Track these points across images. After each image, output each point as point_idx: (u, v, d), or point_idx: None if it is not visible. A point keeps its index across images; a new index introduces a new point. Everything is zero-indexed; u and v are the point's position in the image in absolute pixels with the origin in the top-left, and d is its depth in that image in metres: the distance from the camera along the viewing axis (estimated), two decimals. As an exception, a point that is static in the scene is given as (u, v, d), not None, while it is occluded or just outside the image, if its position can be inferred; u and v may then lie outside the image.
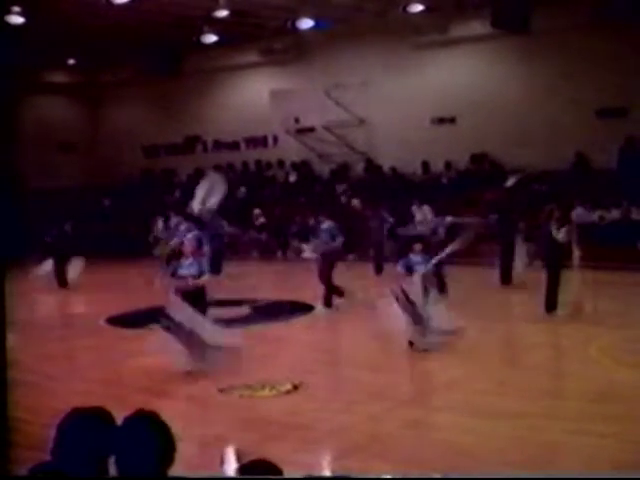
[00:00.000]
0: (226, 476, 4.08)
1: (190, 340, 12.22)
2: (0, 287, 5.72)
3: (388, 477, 8.05)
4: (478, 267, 22.38)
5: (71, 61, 35.21)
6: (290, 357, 14.45)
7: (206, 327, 12.49)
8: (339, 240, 18.14)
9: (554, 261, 16.11)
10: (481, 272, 21.53)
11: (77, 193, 34.40)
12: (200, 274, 12.96)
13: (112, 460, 4.16)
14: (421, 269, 13.83)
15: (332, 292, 17.92)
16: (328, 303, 17.82)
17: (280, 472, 4.04)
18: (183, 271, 12.96)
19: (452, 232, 18.85)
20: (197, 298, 12.79)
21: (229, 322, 16.45)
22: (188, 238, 18.02)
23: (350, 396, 11.10)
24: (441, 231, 19.87)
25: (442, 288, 18.10)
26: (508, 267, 20.30)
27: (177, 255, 13.83)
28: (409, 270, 13.86)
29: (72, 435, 4.15)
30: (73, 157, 36.17)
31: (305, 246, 18.06)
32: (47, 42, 28.57)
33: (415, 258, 13.97)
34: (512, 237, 20.63)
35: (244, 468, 4.03)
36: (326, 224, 18.24)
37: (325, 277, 17.91)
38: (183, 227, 18.83)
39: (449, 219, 20.61)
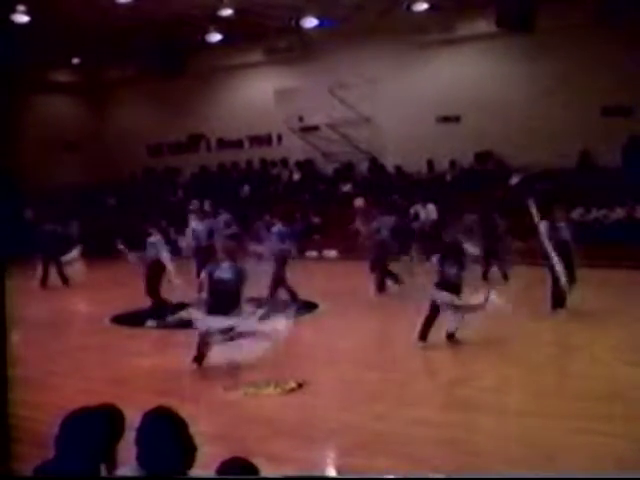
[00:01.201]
0: (224, 477, 4.08)
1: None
2: (0, 287, 5.71)
3: (389, 477, 8.04)
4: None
5: (75, 60, 35.23)
6: (294, 355, 14.45)
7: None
8: (289, 243, 18.37)
9: (559, 259, 16.07)
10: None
11: (81, 192, 34.42)
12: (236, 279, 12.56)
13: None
14: None
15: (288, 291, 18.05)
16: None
17: (256, 470, 4.07)
18: (220, 274, 12.70)
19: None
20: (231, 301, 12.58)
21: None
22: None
23: (354, 394, 11.10)
24: (384, 232, 19.88)
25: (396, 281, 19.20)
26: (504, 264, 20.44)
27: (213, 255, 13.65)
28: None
29: (79, 431, 4.15)
30: (77, 156, 36.19)
31: (257, 248, 18.03)
32: (52, 41, 28.58)
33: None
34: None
35: (222, 466, 4.05)
36: (277, 227, 18.41)
37: (276, 280, 18.02)
38: (222, 217, 18.86)
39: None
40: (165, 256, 16.53)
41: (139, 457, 4.15)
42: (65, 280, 22.96)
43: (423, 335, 13.59)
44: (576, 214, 23.83)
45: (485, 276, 20.22)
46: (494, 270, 20.44)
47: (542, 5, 26.30)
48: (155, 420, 4.24)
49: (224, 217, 19.03)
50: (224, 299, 12.25)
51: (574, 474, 7.62)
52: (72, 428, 4.19)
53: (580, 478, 7.21)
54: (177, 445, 4.14)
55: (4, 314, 5.66)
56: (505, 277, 20.38)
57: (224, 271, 12.44)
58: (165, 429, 4.18)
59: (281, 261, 18.11)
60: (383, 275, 19.46)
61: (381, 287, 19.42)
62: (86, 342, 15.35)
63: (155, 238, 16.43)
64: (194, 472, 4.40)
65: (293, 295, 17.90)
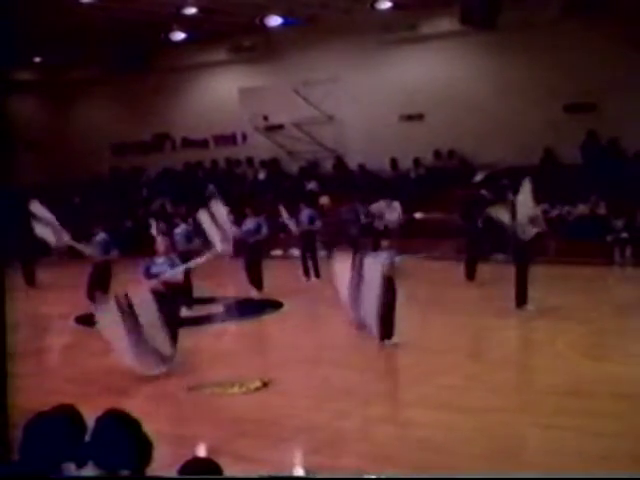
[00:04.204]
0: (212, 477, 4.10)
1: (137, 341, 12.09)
2: (0, 287, 5.71)
3: (387, 477, 8.08)
4: (444, 262, 22.49)
5: (37, 59, 34.95)
6: (260, 354, 14.49)
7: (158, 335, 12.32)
8: (196, 243, 18.51)
9: (522, 256, 16.17)
10: (447, 267, 21.59)
11: (43, 192, 34.08)
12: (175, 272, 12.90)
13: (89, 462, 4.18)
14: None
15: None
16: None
17: (219, 470, 4.08)
18: (157, 269, 12.83)
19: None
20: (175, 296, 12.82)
21: (200, 320, 16.54)
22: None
23: (319, 393, 11.13)
24: (264, 230, 20.12)
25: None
26: (473, 262, 20.34)
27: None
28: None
29: (41, 434, 4.15)
30: (40, 156, 35.85)
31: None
32: (13, 40, 28.33)
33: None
34: (478, 232, 20.76)
35: (184, 467, 4.06)
36: (180, 228, 18.58)
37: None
38: (179, 230, 18.90)
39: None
40: None
41: (95, 458, 4.15)
42: (32, 281, 22.84)
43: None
44: (539, 210, 23.99)
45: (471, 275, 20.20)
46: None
47: (506, 3, 26.44)
48: (106, 421, 4.24)
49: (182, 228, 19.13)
50: None
51: (570, 475, 7.70)
52: (31, 431, 4.19)
53: (576, 478, 7.30)
54: (131, 442, 4.14)
55: (3, 316, 5.65)
56: (472, 276, 20.36)
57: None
58: (116, 428, 4.18)
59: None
60: (258, 274, 19.66)
61: (259, 285, 19.60)
62: (50, 343, 15.28)
63: None
64: (165, 472, 4.43)
65: None
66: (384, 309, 13.51)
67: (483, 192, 23.75)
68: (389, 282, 13.49)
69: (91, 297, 16.95)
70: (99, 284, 17.04)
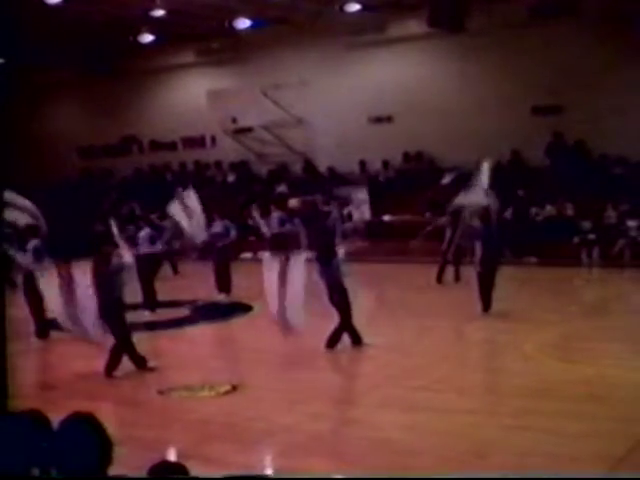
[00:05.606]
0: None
1: None
2: (0, 288, 5.68)
3: (356, 477, 8.09)
4: (415, 265, 22.56)
5: (1, 60, 34.63)
6: (229, 357, 14.46)
7: None
8: (158, 246, 18.90)
9: (486, 259, 16.08)
10: (418, 270, 21.64)
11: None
12: None
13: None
14: None
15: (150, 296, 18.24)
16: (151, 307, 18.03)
17: (187, 472, 4.09)
18: None
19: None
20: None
21: (169, 324, 16.50)
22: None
23: (289, 396, 11.13)
24: (233, 233, 20.28)
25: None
26: (444, 266, 20.30)
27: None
28: None
29: (6, 437, 4.13)
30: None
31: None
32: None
33: None
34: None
35: (152, 470, 4.06)
36: (144, 231, 18.70)
37: (145, 281, 18.09)
38: (143, 233, 18.91)
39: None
40: None
41: (58, 461, 4.13)
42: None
43: (355, 339, 13.62)
44: (508, 212, 24.14)
45: (458, 276, 20.12)
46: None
47: (474, 6, 26.59)
48: (69, 427, 4.23)
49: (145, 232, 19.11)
50: None
51: (571, 475, 7.73)
52: (3, 431, 4.17)
53: (576, 478, 7.34)
54: (91, 450, 4.13)
55: (3, 317, 5.62)
56: (440, 279, 20.34)
57: None
58: (78, 435, 4.16)
59: (148, 264, 18.30)
60: (226, 277, 19.79)
61: (227, 289, 19.72)
62: (19, 347, 15.13)
63: None
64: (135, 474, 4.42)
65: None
66: (341, 316, 13.50)
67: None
68: (340, 288, 13.45)
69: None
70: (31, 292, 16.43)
